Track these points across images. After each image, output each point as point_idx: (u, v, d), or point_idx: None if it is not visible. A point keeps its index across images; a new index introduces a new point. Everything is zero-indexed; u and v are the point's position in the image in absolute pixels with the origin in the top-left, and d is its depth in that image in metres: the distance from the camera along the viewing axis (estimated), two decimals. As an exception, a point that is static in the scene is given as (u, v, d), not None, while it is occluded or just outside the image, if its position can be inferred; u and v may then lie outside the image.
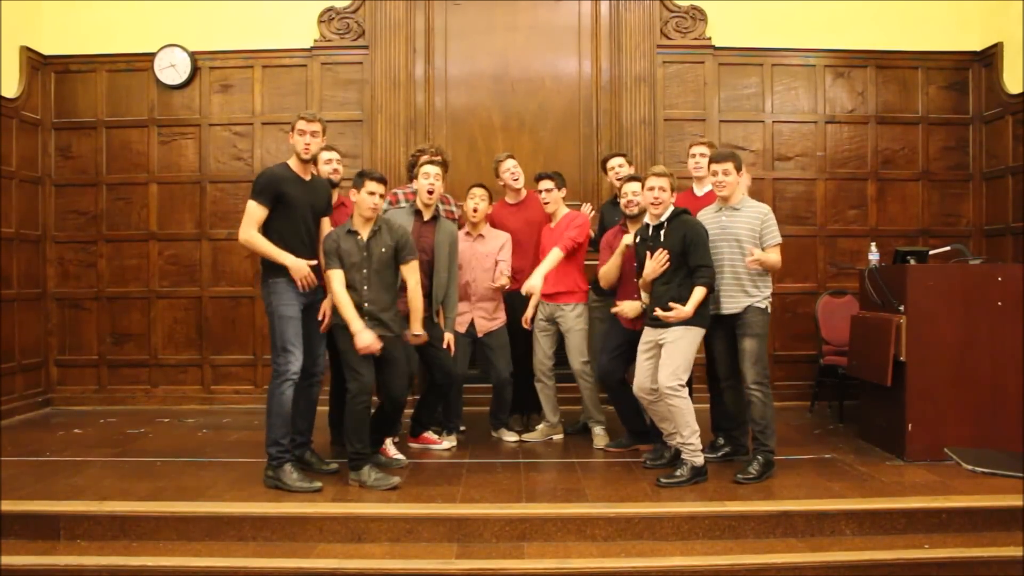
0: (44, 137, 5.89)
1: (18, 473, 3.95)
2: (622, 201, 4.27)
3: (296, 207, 3.71)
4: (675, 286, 3.74)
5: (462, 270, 4.52)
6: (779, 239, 3.86)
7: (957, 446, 4.07)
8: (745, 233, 3.83)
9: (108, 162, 5.92)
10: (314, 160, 3.88)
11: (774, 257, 3.84)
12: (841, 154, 5.96)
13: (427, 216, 4.29)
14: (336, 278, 3.70)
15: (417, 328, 3.89)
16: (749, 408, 3.85)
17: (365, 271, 3.73)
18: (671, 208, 3.85)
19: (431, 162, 4.28)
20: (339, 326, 3.73)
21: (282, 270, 3.67)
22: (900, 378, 4.09)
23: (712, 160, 3.89)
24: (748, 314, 3.82)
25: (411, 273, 3.86)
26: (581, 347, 4.50)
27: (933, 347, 4.08)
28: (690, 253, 3.73)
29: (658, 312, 3.73)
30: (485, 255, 4.58)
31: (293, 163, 3.78)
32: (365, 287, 3.73)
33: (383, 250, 3.77)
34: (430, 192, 4.22)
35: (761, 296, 3.84)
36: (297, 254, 3.68)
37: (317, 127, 3.72)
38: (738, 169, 3.85)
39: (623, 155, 4.90)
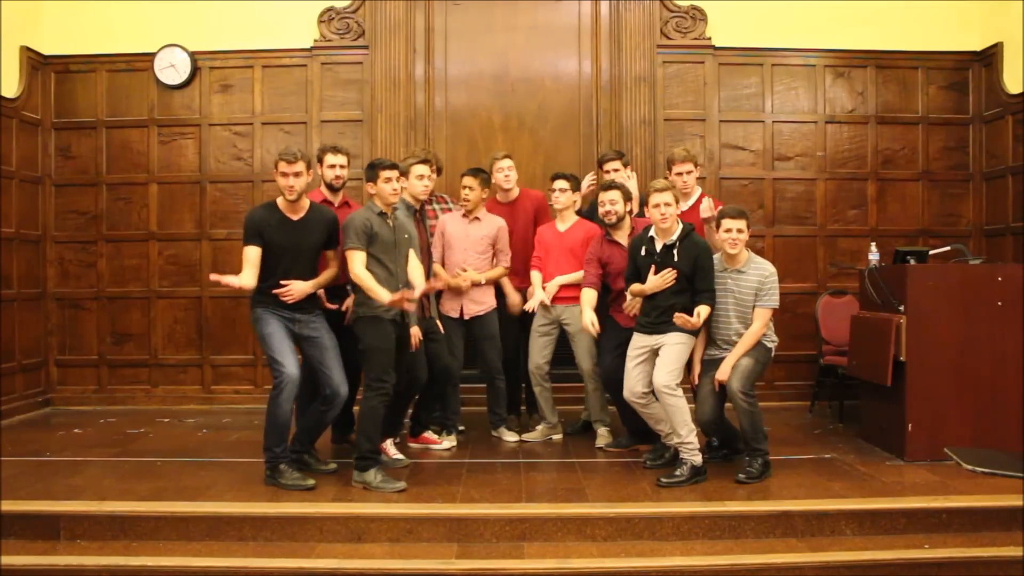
0: (44, 137, 5.89)
1: (18, 473, 3.95)
2: (600, 210, 4.26)
3: (279, 254, 3.68)
4: (681, 303, 3.80)
5: (454, 253, 4.55)
6: (775, 304, 3.85)
7: (957, 446, 4.07)
8: (749, 297, 3.86)
9: (108, 162, 5.92)
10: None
11: (759, 321, 3.83)
12: (841, 154, 5.96)
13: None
14: (360, 259, 3.68)
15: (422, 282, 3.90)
16: (738, 417, 3.85)
17: (395, 254, 3.79)
18: (681, 226, 3.88)
19: (421, 161, 4.28)
20: (362, 319, 3.71)
21: (260, 300, 3.72)
22: (900, 378, 4.09)
23: (727, 215, 3.86)
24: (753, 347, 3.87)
25: (414, 256, 3.95)
26: (591, 348, 4.47)
27: (933, 347, 4.07)
28: (698, 277, 3.79)
29: (651, 282, 3.84)
30: (480, 239, 4.58)
31: (281, 202, 3.75)
32: (400, 270, 3.80)
33: (406, 236, 3.87)
34: (425, 188, 4.27)
35: (766, 339, 3.90)
36: (277, 297, 3.68)
37: (300, 167, 3.66)
38: (748, 227, 3.89)
39: (620, 157, 4.89)
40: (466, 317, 4.58)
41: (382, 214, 3.78)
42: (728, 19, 5.85)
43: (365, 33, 5.82)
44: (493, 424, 4.74)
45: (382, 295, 3.58)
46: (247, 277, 3.63)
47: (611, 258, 4.26)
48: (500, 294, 4.70)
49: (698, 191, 4.61)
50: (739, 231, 3.82)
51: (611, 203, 4.19)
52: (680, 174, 4.49)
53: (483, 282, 4.55)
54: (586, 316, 4.13)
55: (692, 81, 5.88)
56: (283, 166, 3.66)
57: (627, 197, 4.27)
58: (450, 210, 4.86)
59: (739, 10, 5.86)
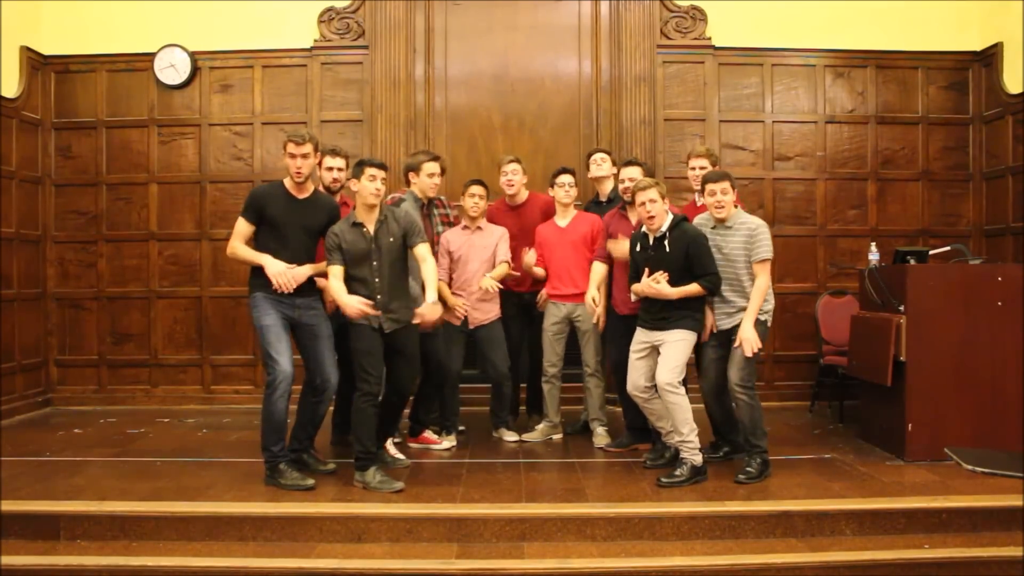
0: (44, 137, 5.89)
1: (18, 473, 3.95)
2: (620, 186, 4.33)
3: (280, 226, 3.70)
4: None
5: (462, 264, 4.55)
6: (767, 254, 3.78)
7: (957, 446, 4.07)
8: (738, 252, 3.83)
9: (108, 162, 5.92)
10: (311, 178, 3.84)
11: (763, 275, 3.78)
12: (841, 154, 5.96)
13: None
14: (334, 274, 3.67)
15: (433, 297, 3.74)
16: (736, 410, 3.87)
17: (376, 263, 3.71)
18: (670, 217, 3.87)
19: (434, 159, 4.38)
20: (351, 323, 3.69)
21: (259, 283, 3.70)
22: (900, 378, 4.09)
23: (707, 180, 3.86)
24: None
25: (425, 256, 3.79)
26: (599, 345, 4.50)
27: (933, 347, 4.07)
28: (694, 264, 3.76)
29: (641, 285, 3.80)
30: (484, 247, 4.58)
31: (288, 181, 3.76)
32: (376, 279, 3.71)
33: (391, 239, 3.75)
34: (435, 186, 4.40)
35: (759, 310, 3.85)
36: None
37: (307, 149, 3.68)
38: (733, 187, 3.85)
39: (607, 152, 4.89)
40: (471, 327, 4.57)
41: (356, 224, 3.71)
42: (728, 19, 5.86)
43: (365, 33, 5.82)
44: (494, 425, 4.74)
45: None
46: (241, 247, 3.80)
47: (616, 231, 4.29)
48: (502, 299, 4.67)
49: None
50: (723, 192, 3.80)
51: (631, 180, 4.19)
52: (693, 168, 4.45)
53: (493, 288, 4.44)
54: (589, 293, 4.26)
55: (692, 81, 5.88)
56: (291, 147, 3.68)
57: (649, 174, 4.26)
58: (448, 217, 4.81)
59: (739, 10, 5.86)
